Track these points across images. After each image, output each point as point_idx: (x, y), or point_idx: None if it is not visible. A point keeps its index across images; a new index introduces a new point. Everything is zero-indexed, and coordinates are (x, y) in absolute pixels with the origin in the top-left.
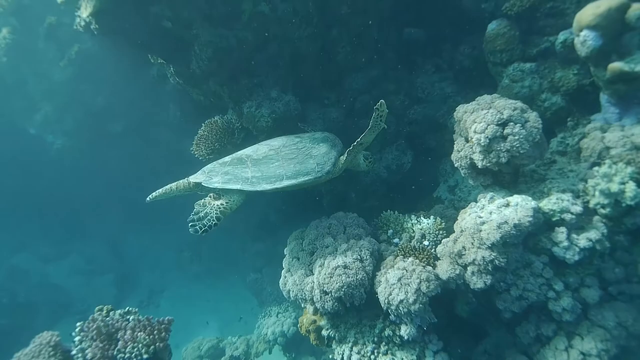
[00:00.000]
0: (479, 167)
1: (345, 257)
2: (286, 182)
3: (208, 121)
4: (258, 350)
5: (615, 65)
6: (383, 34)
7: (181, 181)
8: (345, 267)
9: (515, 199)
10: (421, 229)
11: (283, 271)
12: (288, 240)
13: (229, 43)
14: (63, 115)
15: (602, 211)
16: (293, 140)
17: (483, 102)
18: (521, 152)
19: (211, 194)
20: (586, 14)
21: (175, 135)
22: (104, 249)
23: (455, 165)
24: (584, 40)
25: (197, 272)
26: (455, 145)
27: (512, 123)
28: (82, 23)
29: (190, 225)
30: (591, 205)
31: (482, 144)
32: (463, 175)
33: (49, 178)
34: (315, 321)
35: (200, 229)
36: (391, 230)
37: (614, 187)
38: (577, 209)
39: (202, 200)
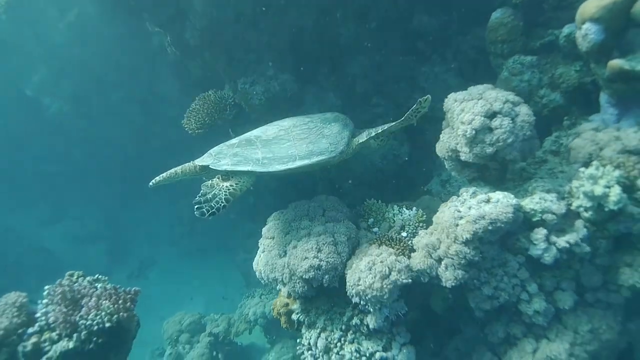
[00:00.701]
0: (463, 159)
1: (319, 239)
2: (299, 162)
3: (201, 95)
4: (238, 330)
5: (616, 63)
6: (389, 18)
7: (186, 165)
8: (317, 249)
9: (497, 195)
10: (402, 220)
11: (258, 251)
12: (267, 220)
13: (225, 14)
14: (60, 79)
15: (585, 214)
16: (303, 120)
17: (475, 92)
18: (507, 146)
19: (219, 176)
20: (590, 6)
21: (174, 109)
22: (99, 216)
23: (440, 156)
24: (586, 33)
25: (189, 248)
26: (441, 135)
27: (501, 115)
28: None
29: (197, 208)
30: (573, 207)
31: (468, 136)
32: (447, 167)
33: (44, 141)
34: (287, 304)
35: (208, 211)
36: (372, 219)
37: (598, 190)
38: (560, 210)
39: (209, 182)
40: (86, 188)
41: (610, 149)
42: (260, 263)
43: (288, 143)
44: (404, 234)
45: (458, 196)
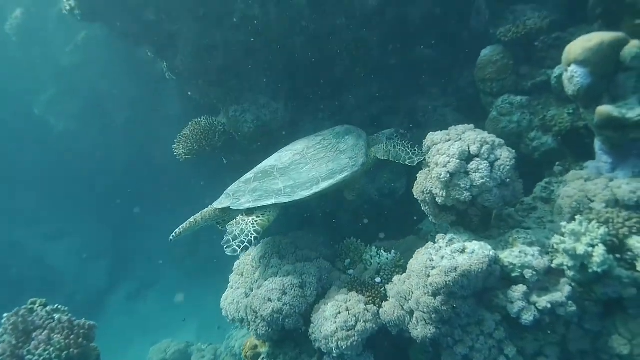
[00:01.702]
0: (439, 203)
1: (286, 280)
2: (324, 184)
3: (194, 120)
4: None
5: (604, 109)
6: (388, 50)
7: (205, 210)
8: (282, 291)
9: (473, 245)
10: (379, 263)
11: (228, 286)
12: (245, 254)
13: (214, 42)
14: (67, 100)
15: (568, 274)
16: (316, 140)
17: (454, 132)
18: (484, 192)
19: (242, 213)
20: (575, 47)
21: (177, 131)
22: (105, 234)
23: (416, 197)
24: (572, 76)
25: (189, 270)
26: (418, 175)
27: (478, 159)
28: (68, 7)
29: (227, 247)
30: (554, 265)
31: (442, 179)
32: (424, 210)
33: (51, 159)
34: (256, 346)
35: (239, 246)
36: (349, 260)
37: (580, 248)
38: (541, 266)
39: (234, 221)
40: (92, 206)
41: (599, 201)
42: (227, 301)
43: (307, 166)
44: (378, 279)
45: (435, 242)
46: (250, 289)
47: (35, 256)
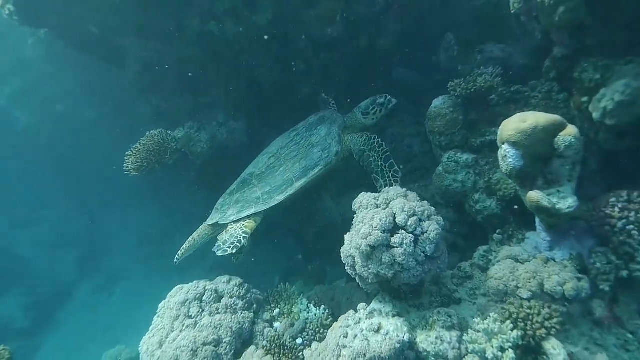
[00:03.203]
0: (359, 273)
1: (199, 337)
2: (298, 184)
3: (148, 133)
4: None
5: (534, 197)
6: (356, 75)
7: (200, 229)
8: (193, 351)
9: (389, 325)
10: (305, 320)
11: (150, 328)
12: (169, 294)
13: (165, 58)
14: (31, 94)
15: None
16: (289, 137)
17: (383, 197)
18: (406, 270)
19: (230, 223)
20: (508, 127)
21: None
22: (77, 224)
23: (342, 260)
24: (505, 155)
25: (156, 268)
26: (346, 237)
27: (403, 231)
28: (7, 12)
29: (218, 249)
30: None
31: (363, 252)
32: (348, 272)
33: (18, 151)
34: None
35: (230, 247)
36: (278, 310)
37: (490, 352)
38: (457, 357)
39: (224, 231)
40: (64, 195)
41: (525, 290)
42: (143, 347)
43: (282, 168)
44: (299, 340)
45: (356, 311)
46: (166, 337)
47: (2, 243)
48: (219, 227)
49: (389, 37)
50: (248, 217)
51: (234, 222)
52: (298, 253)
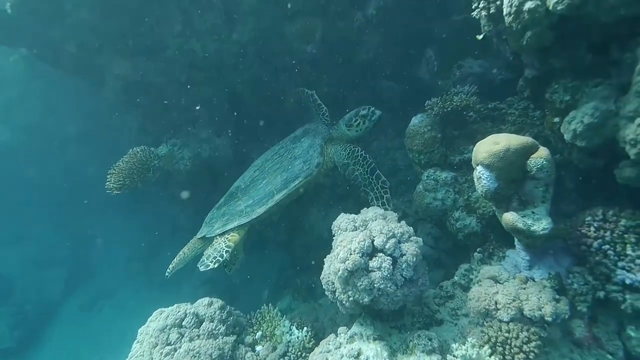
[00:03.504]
0: (337, 298)
1: None
2: (278, 196)
3: (131, 150)
4: None
5: (509, 218)
6: (340, 89)
7: (190, 242)
8: None
9: (369, 351)
10: (287, 342)
11: (129, 354)
12: (149, 318)
13: (146, 76)
14: (13, 110)
15: None
16: (274, 150)
17: (361, 218)
18: (384, 295)
19: (217, 236)
20: (482, 149)
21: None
22: (64, 240)
23: (322, 285)
24: (479, 177)
25: (145, 285)
26: (325, 261)
27: (382, 254)
28: None
29: (201, 264)
30: None
31: (340, 276)
32: (329, 297)
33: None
34: None
35: (212, 262)
36: (260, 332)
37: None
38: None
39: (210, 245)
40: (52, 213)
41: (504, 312)
42: None
43: (264, 181)
44: None
45: (337, 335)
46: None
47: None
48: (208, 241)
49: (369, 52)
50: (232, 229)
51: (220, 235)
52: (288, 266)
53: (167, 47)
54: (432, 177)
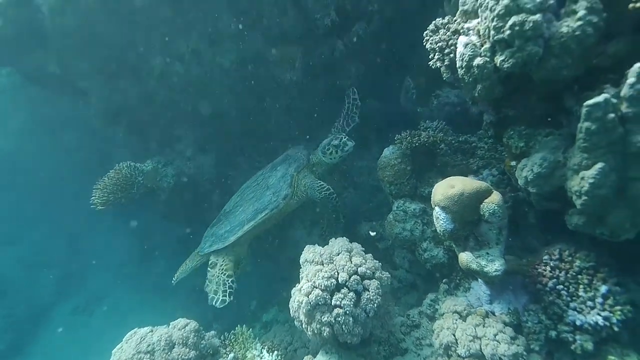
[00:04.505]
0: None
1: None
2: (247, 227)
3: (116, 166)
4: None
5: (463, 258)
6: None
7: (191, 255)
8: None
9: None
10: None
11: None
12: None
13: (128, 97)
14: (5, 119)
15: None
16: (256, 176)
17: (327, 251)
18: (346, 332)
19: (210, 263)
20: (438, 192)
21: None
22: (59, 242)
23: (291, 314)
24: (437, 217)
25: (137, 289)
26: (292, 292)
27: (345, 290)
28: None
29: (216, 302)
30: None
31: (304, 310)
32: (297, 326)
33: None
34: None
35: (227, 296)
36: (232, 355)
37: None
38: None
39: (207, 280)
40: (45, 217)
41: (462, 348)
42: None
43: (241, 208)
44: None
45: None
46: None
47: None
48: (205, 255)
49: (350, 79)
50: (218, 252)
51: (213, 261)
52: (275, 278)
53: (151, 68)
54: (401, 208)
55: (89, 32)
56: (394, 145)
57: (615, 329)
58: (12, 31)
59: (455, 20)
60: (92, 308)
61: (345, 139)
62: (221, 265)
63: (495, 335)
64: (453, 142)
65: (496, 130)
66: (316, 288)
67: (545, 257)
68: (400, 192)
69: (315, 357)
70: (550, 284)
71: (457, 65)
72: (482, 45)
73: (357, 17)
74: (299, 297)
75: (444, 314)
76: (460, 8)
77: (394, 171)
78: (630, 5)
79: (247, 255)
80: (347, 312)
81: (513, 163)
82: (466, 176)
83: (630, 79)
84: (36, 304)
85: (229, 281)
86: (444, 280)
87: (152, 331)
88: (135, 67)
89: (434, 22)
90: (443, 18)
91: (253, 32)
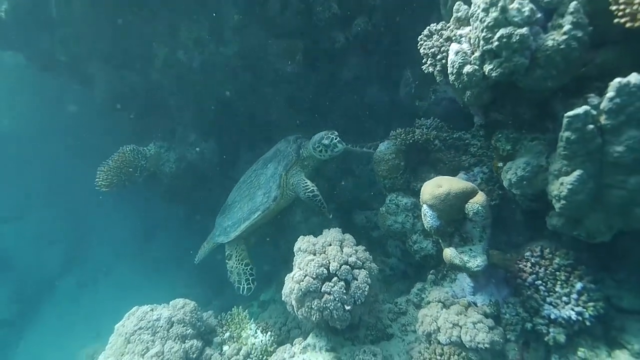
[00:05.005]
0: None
1: None
2: (244, 225)
3: (121, 149)
4: None
5: (447, 254)
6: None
7: (207, 239)
8: None
9: None
10: (251, 345)
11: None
12: (128, 312)
13: (133, 85)
14: (14, 98)
15: None
16: (251, 170)
17: (321, 242)
18: (334, 319)
19: (226, 255)
20: (426, 190)
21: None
22: (65, 217)
23: (283, 298)
24: (425, 214)
25: (143, 265)
26: (285, 279)
27: (335, 278)
28: None
29: (242, 291)
30: None
31: (295, 296)
32: (289, 311)
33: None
34: None
35: (249, 283)
36: (228, 334)
37: None
38: None
39: (228, 270)
40: (52, 190)
41: (443, 336)
42: None
43: (238, 205)
44: None
45: (292, 344)
46: None
47: None
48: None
49: (351, 70)
50: (233, 242)
51: (228, 253)
52: (275, 260)
53: (155, 57)
54: (394, 201)
55: (93, 20)
56: (388, 141)
57: (588, 323)
58: (18, 16)
59: (449, 27)
60: (97, 281)
61: (335, 141)
62: (237, 256)
63: (474, 324)
64: (447, 138)
65: (486, 132)
66: (307, 276)
67: (527, 253)
68: (394, 186)
69: (305, 339)
70: (529, 279)
71: (448, 72)
72: (472, 53)
73: (359, 10)
74: (291, 284)
75: (429, 302)
76: (454, 15)
77: (388, 166)
78: (615, 21)
79: (255, 240)
80: (336, 298)
81: (500, 164)
82: (458, 172)
83: (610, 93)
84: (43, 276)
85: (248, 269)
86: (431, 271)
87: (152, 309)
88: (139, 55)
89: (428, 27)
90: (437, 24)
91: (255, 24)
